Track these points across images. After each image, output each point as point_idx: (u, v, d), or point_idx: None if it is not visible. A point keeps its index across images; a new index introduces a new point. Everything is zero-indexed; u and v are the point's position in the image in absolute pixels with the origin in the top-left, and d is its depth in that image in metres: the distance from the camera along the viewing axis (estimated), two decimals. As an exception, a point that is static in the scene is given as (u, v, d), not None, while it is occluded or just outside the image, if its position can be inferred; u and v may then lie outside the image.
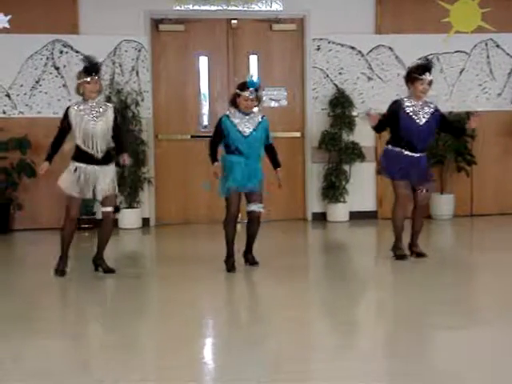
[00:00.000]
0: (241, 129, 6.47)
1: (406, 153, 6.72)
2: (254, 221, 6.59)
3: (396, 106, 6.78)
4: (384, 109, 6.77)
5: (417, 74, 6.68)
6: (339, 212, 9.44)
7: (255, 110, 6.65)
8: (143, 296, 6.01)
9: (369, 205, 9.61)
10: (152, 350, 4.58)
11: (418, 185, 6.79)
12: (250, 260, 6.70)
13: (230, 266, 6.49)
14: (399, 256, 6.79)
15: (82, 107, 6.31)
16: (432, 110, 6.78)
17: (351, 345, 4.58)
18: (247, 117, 6.51)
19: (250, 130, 6.49)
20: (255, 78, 6.71)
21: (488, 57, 9.66)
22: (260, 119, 6.57)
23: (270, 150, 6.69)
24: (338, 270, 6.76)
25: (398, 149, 6.73)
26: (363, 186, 9.53)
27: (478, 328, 4.76)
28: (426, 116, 6.74)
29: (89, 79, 6.26)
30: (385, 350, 4.40)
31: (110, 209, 6.41)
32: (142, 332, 4.92)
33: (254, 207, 6.52)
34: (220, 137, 6.54)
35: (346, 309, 5.35)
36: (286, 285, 6.08)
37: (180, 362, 4.14)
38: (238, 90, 6.53)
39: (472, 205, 9.77)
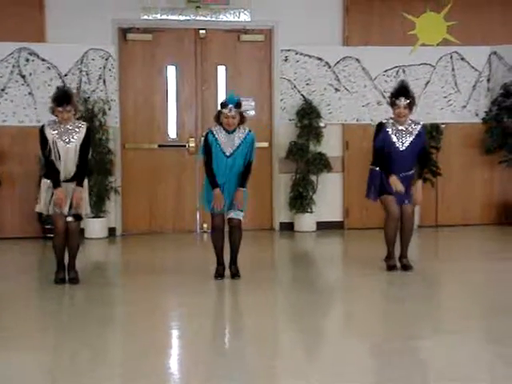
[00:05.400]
0: (224, 147, 6.37)
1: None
2: (234, 229, 6.46)
3: (379, 129, 6.78)
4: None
5: (393, 98, 6.74)
6: (306, 222, 9.48)
7: (244, 128, 6.45)
8: (109, 306, 5.97)
9: (336, 215, 9.66)
10: (118, 359, 4.55)
11: (399, 200, 6.75)
12: (233, 271, 6.53)
13: (218, 273, 6.53)
14: (390, 266, 6.84)
15: (55, 130, 6.31)
16: (417, 132, 6.75)
17: (319, 356, 4.60)
18: (230, 135, 6.37)
19: (232, 150, 6.37)
20: (235, 95, 6.48)
21: (453, 69, 9.80)
22: (244, 135, 6.41)
23: (245, 169, 6.45)
24: (306, 281, 6.76)
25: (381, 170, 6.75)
26: (330, 196, 9.59)
27: (443, 337, 4.80)
28: (408, 140, 6.73)
29: (60, 109, 6.28)
30: (352, 361, 4.42)
31: (70, 218, 6.39)
32: (109, 342, 4.89)
33: (233, 214, 6.41)
34: (210, 154, 6.38)
35: (315, 320, 5.35)
36: (254, 295, 6.08)
37: (146, 372, 4.13)
38: (219, 108, 6.46)
39: (437, 215, 9.88)
